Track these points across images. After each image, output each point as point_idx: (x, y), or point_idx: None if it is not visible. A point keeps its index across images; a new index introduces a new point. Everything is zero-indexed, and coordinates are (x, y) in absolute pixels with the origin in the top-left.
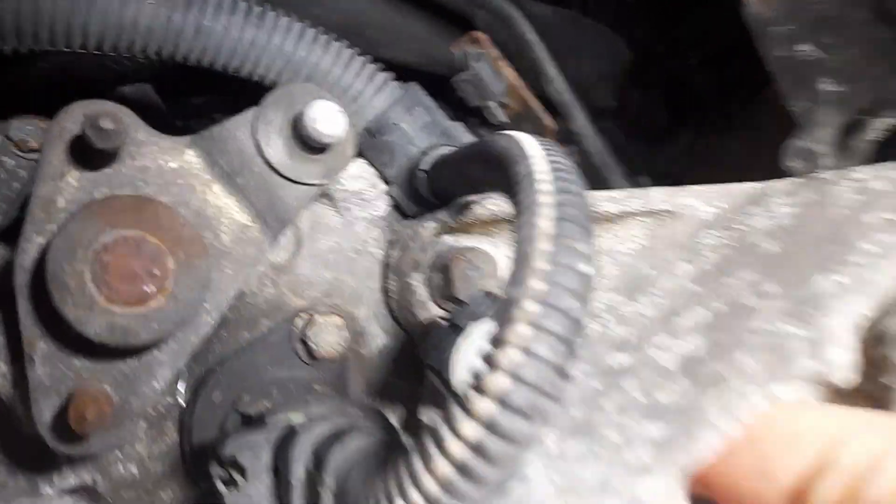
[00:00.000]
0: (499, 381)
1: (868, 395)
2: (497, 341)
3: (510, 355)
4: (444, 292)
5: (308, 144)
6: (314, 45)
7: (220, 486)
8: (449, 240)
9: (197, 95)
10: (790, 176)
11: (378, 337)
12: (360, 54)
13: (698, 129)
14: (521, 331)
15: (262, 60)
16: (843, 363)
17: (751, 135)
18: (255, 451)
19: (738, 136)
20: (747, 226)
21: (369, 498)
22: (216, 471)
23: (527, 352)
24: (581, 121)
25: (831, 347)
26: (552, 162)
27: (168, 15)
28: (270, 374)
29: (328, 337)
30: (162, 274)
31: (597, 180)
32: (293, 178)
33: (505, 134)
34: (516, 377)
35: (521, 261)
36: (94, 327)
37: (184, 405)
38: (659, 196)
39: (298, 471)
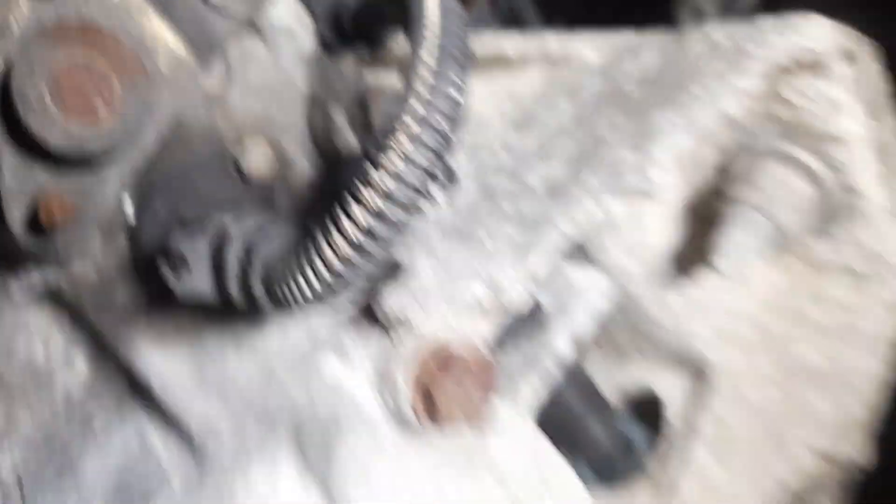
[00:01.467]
0: (380, 177)
1: (706, 214)
2: (380, 147)
3: (390, 158)
4: (363, 124)
5: None
6: None
7: (167, 277)
8: (369, 75)
9: None
10: None
11: (304, 167)
12: None
13: None
14: (400, 140)
15: None
16: (661, 181)
17: None
18: (195, 246)
19: None
20: (621, 72)
21: (287, 270)
22: (163, 264)
23: (402, 157)
24: None
25: (653, 169)
26: (441, 3)
27: None
28: (206, 192)
29: (258, 159)
30: (109, 94)
31: (515, 24)
32: (221, 8)
33: None
34: (392, 174)
35: (407, 87)
36: (53, 138)
37: (131, 218)
38: (553, 42)
39: (232, 259)
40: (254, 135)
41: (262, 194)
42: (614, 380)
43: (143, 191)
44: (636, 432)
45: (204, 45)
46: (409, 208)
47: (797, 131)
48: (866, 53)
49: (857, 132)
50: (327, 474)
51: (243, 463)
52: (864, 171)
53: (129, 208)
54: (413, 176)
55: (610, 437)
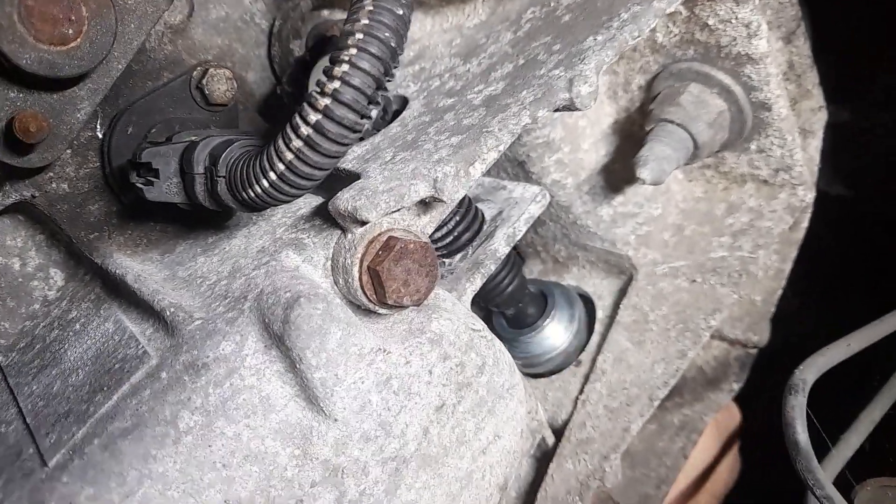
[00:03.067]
0: (332, 84)
1: (632, 134)
2: (333, 59)
3: (341, 67)
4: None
5: None
6: None
7: (139, 186)
8: (325, 13)
9: None
10: None
11: (264, 94)
12: None
13: None
14: (350, 51)
15: None
16: (587, 93)
17: None
18: (165, 158)
19: None
20: (556, 2)
21: (250, 172)
22: (135, 177)
23: (351, 65)
24: None
25: (580, 83)
26: None
27: None
28: (173, 115)
29: (220, 86)
30: (77, 20)
31: None
32: None
33: None
34: (344, 81)
35: (354, 4)
36: (26, 59)
37: (100, 137)
38: None
39: (199, 167)
40: (216, 65)
41: (225, 118)
42: None
43: (113, 113)
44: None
45: None
46: (357, 110)
47: (715, 53)
48: None
49: (769, 53)
50: (286, 337)
51: (213, 336)
52: (774, 88)
53: (100, 129)
54: (360, 80)
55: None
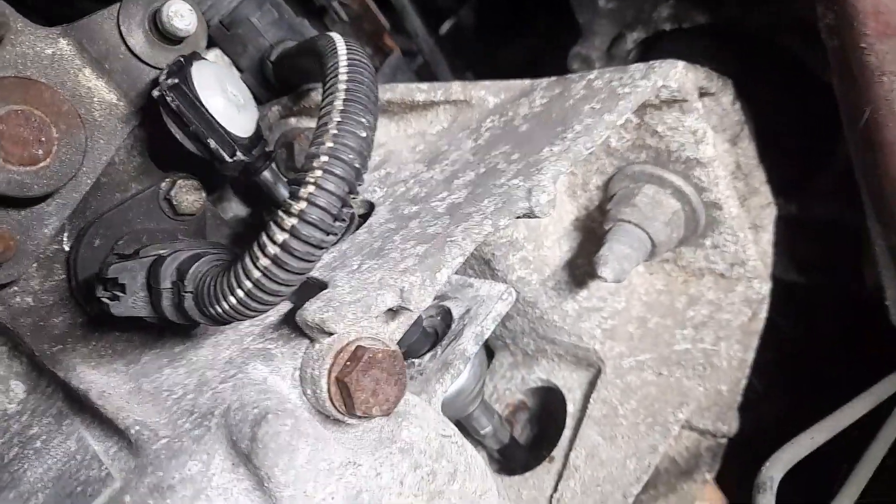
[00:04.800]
0: (299, 205)
1: (592, 230)
2: (298, 181)
3: (308, 189)
4: (288, 164)
5: (165, 36)
6: None
7: (106, 301)
8: (292, 121)
9: None
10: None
11: (234, 203)
12: None
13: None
14: (316, 172)
15: None
16: (545, 202)
17: None
18: (131, 273)
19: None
20: (514, 112)
21: (216, 288)
22: (101, 291)
23: (318, 186)
24: (414, 21)
25: (539, 193)
26: (350, 59)
27: None
28: (140, 226)
29: (189, 196)
30: (48, 141)
31: (428, 73)
32: (153, 64)
33: (326, 35)
34: (311, 202)
35: (320, 127)
36: None
37: (67, 250)
38: (458, 88)
39: (166, 283)
40: (185, 176)
41: (192, 227)
42: (524, 381)
43: (81, 225)
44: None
45: (137, 96)
46: (324, 229)
47: (666, 157)
48: (720, 88)
49: (716, 157)
50: (253, 455)
51: (179, 455)
52: (723, 189)
53: (67, 241)
54: (325, 201)
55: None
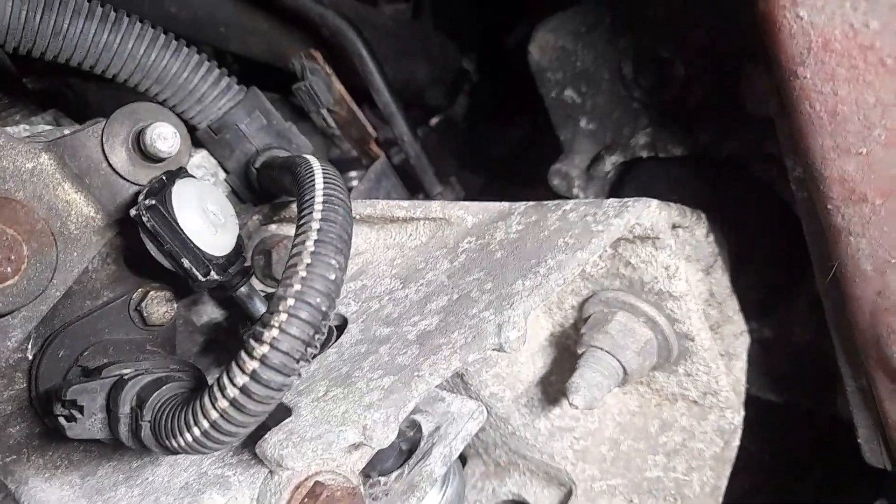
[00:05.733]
0: (261, 349)
1: (567, 347)
2: (264, 322)
3: (271, 332)
4: (265, 272)
5: (147, 156)
6: (165, 49)
7: (63, 422)
8: (272, 227)
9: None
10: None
11: (210, 306)
12: (211, 52)
13: (531, 121)
14: (280, 316)
15: (116, 62)
16: (515, 338)
17: None
18: (91, 395)
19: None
20: (490, 236)
21: (174, 424)
22: (59, 410)
23: (282, 331)
24: (402, 128)
25: (508, 329)
26: (326, 193)
27: (28, 16)
28: (109, 337)
29: (160, 308)
30: (17, 259)
31: (412, 177)
32: (134, 181)
33: (304, 159)
34: (273, 346)
35: (289, 268)
36: None
37: (30, 359)
38: (437, 207)
39: (125, 408)
40: (158, 287)
41: (162, 338)
42: (495, 493)
43: (47, 334)
44: None
45: (116, 210)
46: (284, 373)
47: (639, 287)
48: (694, 222)
49: (688, 291)
50: None
51: None
52: (695, 322)
53: (31, 350)
54: (288, 345)
55: None
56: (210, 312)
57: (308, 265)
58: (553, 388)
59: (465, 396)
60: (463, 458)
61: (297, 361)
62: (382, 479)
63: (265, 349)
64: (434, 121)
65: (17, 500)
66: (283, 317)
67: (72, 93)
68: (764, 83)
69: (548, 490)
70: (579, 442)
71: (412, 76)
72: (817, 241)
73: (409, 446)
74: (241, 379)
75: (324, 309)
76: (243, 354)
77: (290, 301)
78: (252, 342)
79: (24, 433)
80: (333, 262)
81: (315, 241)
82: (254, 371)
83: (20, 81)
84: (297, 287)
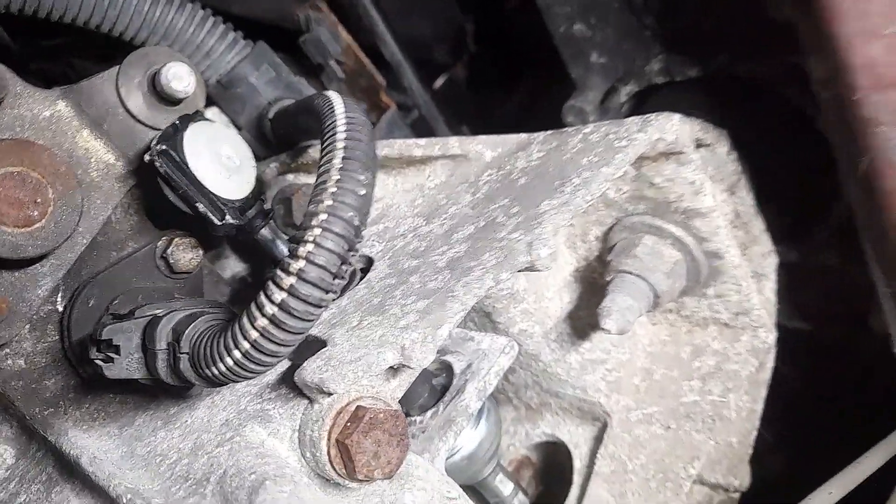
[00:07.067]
0: (297, 264)
1: (593, 281)
2: (297, 239)
3: (306, 247)
4: (286, 220)
5: (164, 98)
6: (170, 5)
7: (100, 363)
8: (290, 177)
9: (48, 38)
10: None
11: (233, 260)
12: (214, 13)
13: (533, 85)
14: (314, 231)
15: (122, 19)
16: (546, 255)
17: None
18: (126, 335)
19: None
20: (512, 166)
21: (213, 350)
22: (95, 354)
23: (317, 245)
24: (410, 77)
25: (539, 246)
26: (348, 117)
27: None
28: (137, 285)
29: (186, 254)
30: (43, 202)
31: (424, 126)
32: (151, 125)
33: (323, 94)
34: (309, 260)
35: (318, 186)
36: None
37: (60, 311)
38: (455, 143)
39: (161, 343)
40: (182, 234)
41: (189, 285)
42: (528, 436)
43: (75, 286)
44: None
45: (136, 156)
46: (323, 288)
47: (664, 208)
48: (716, 139)
49: (714, 207)
50: None
51: None
52: (723, 239)
53: (61, 301)
54: (324, 259)
55: None
56: (234, 266)
57: (337, 181)
58: (582, 321)
59: (495, 334)
60: (495, 402)
61: (334, 277)
62: (418, 417)
63: (301, 264)
64: (438, 82)
65: (59, 449)
66: (317, 231)
67: (74, 73)
68: None
69: (582, 427)
70: (612, 373)
71: (416, 31)
72: (845, 140)
73: (442, 385)
74: (279, 296)
75: (356, 223)
76: (279, 272)
77: (323, 216)
78: (287, 260)
79: (59, 385)
80: (362, 177)
81: (342, 158)
82: (291, 286)
83: (26, 65)
84: (329, 202)
